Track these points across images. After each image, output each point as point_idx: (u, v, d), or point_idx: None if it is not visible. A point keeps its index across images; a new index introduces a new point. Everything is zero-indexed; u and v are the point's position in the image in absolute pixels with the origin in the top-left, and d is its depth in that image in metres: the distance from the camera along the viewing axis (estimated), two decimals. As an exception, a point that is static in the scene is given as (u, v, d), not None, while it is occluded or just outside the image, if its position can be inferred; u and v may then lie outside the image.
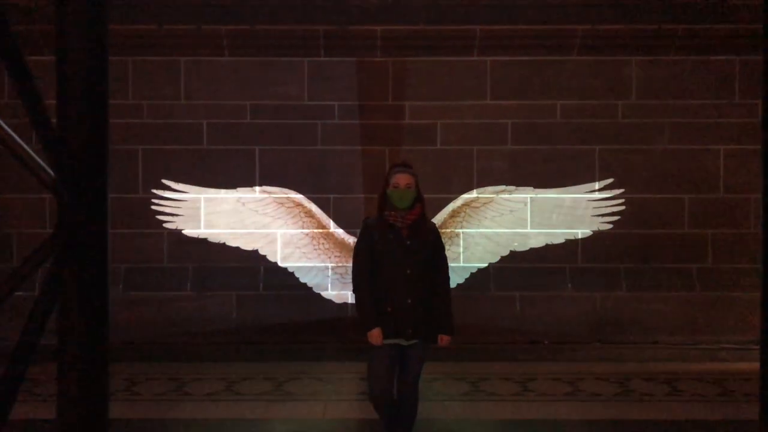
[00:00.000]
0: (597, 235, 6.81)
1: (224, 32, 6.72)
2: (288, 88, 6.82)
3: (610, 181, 6.76)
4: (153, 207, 6.68)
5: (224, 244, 6.72)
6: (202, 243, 6.76)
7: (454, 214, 6.65)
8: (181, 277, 6.84)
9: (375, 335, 3.37)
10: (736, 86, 6.79)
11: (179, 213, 6.70)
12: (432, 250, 3.53)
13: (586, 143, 6.83)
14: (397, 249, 3.43)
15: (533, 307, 6.82)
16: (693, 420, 4.45)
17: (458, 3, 6.67)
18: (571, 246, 6.84)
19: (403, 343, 3.43)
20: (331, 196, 6.82)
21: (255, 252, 6.76)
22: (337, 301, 6.73)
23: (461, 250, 6.68)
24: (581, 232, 6.75)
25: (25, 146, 1.21)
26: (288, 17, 6.64)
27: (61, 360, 1.28)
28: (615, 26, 6.68)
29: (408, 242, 3.45)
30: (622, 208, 6.73)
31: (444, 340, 3.51)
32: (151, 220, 6.77)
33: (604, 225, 6.75)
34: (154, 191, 6.70)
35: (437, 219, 6.48)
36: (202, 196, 6.73)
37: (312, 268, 6.78)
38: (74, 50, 1.19)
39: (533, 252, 6.82)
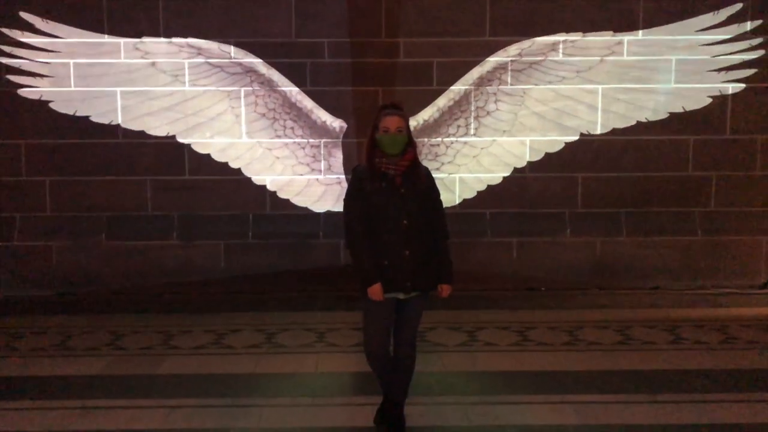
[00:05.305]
0: (596, 179, 6.58)
1: (204, -37, 6.26)
2: (274, 24, 6.41)
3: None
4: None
5: (210, 190, 6.46)
6: (187, 190, 6.49)
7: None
8: (167, 226, 6.58)
9: (376, 291, 3.16)
10: (748, 20, 6.42)
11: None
12: (428, 196, 3.29)
13: (589, 82, 6.50)
14: (391, 198, 3.19)
15: (530, 253, 6.64)
16: (697, 370, 4.32)
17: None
18: (570, 190, 6.61)
19: (401, 296, 3.23)
20: (321, 140, 6.52)
21: (243, 199, 6.51)
22: (329, 248, 6.52)
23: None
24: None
25: None
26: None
27: None
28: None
29: (402, 190, 3.20)
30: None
31: (445, 289, 3.30)
32: (133, 166, 6.47)
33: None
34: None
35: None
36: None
37: (302, 215, 6.55)
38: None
39: (530, 196, 6.60)
